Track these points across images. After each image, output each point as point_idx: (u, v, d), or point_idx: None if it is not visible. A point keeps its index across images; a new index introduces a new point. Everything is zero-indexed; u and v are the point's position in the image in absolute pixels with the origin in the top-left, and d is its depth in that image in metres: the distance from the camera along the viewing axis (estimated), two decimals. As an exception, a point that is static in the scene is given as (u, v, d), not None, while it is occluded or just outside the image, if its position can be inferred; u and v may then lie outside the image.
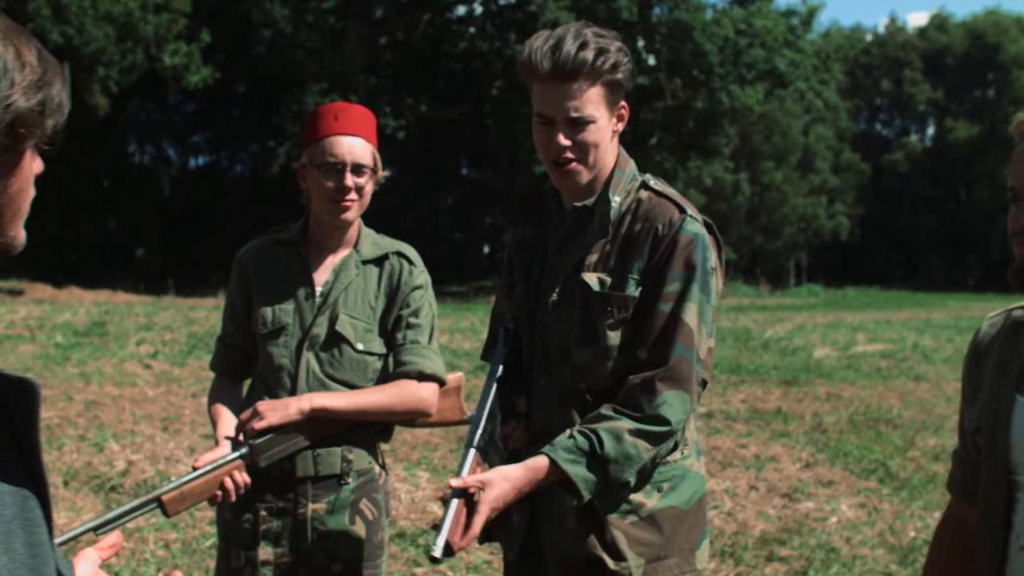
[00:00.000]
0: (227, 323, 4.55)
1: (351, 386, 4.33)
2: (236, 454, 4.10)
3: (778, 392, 16.96)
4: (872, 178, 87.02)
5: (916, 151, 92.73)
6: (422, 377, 4.35)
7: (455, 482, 3.21)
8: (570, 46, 3.43)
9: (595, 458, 3.32)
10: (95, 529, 3.82)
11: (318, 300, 4.36)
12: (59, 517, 8.65)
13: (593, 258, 3.60)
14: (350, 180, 4.26)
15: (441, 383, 4.41)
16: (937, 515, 9.58)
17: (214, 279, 41.69)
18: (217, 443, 4.20)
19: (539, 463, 3.33)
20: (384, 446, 4.56)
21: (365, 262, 4.43)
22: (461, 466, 3.35)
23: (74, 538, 3.67)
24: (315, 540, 4.32)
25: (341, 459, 4.33)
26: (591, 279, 3.57)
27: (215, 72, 41.20)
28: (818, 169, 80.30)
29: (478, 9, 53.13)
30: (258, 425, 4.13)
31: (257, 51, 48.92)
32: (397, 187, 67.95)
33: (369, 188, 4.33)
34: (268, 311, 4.36)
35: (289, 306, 4.35)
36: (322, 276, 4.40)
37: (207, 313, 26.13)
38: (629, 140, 44.18)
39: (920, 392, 17.53)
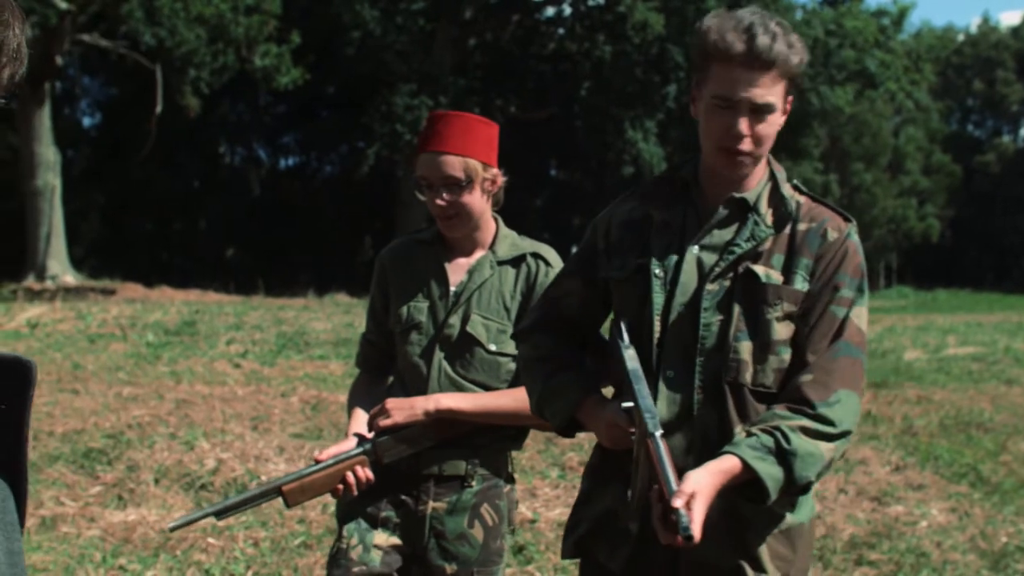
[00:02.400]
0: (369, 320, 4.63)
1: (484, 387, 4.36)
2: (359, 450, 4.21)
3: (868, 395, 16.80)
4: (963, 180, 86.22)
5: (1009, 152, 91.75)
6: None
7: (678, 502, 3.05)
8: (766, 35, 3.36)
9: (782, 455, 3.25)
10: (216, 514, 3.90)
11: (451, 299, 4.38)
12: (150, 514, 8.75)
13: (757, 251, 3.50)
14: (442, 199, 4.31)
15: None
16: (1029, 520, 9.50)
17: (304, 279, 41.93)
18: (346, 436, 4.30)
19: (730, 463, 3.24)
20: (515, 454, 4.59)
21: (501, 263, 4.46)
22: (660, 460, 3.15)
23: (194, 521, 3.70)
24: (431, 538, 4.35)
25: (466, 461, 4.37)
26: (759, 270, 3.47)
27: (305, 73, 41.36)
28: (909, 171, 79.71)
29: (567, 10, 53.08)
30: (384, 423, 4.23)
31: (347, 52, 49.06)
32: (486, 188, 68.01)
33: (470, 198, 4.35)
34: (404, 308, 4.42)
35: (423, 304, 4.39)
36: (457, 276, 4.43)
37: (296, 313, 26.29)
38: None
39: (1012, 396, 17.32)
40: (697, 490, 3.12)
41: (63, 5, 35.54)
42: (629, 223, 3.71)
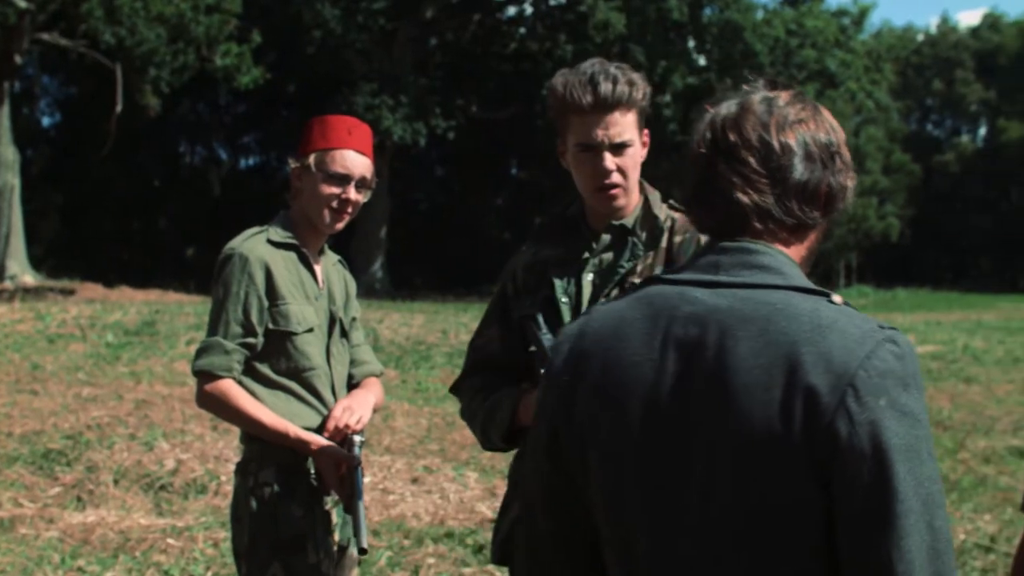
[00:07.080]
0: (250, 323, 4.37)
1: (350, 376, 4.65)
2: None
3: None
4: (923, 179, 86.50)
5: (968, 152, 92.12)
6: (380, 375, 4.77)
7: None
8: (607, 81, 3.79)
9: None
10: None
11: (326, 300, 4.54)
12: (109, 515, 8.71)
13: (638, 269, 3.85)
14: (353, 194, 4.42)
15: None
16: (988, 517, 9.54)
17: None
18: (303, 442, 4.31)
19: None
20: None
21: (333, 264, 4.69)
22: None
23: None
24: (347, 523, 4.49)
25: None
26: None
27: (265, 73, 41.24)
28: (869, 170, 79.88)
29: (528, 10, 53.16)
30: (361, 423, 4.39)
31: (307, 52, 49.07)
32: (447, 188, 68.02)
33: (362, 201, 4.49)
34: (296, 310, 4.41)
35: (309, 307, 4.45)
36: (320, 276, 4.56)
37: (257, 313, 26.24)
38: (678, 140, 44.27)
39: (971, 394, 17.43)
40: None
41: (22, 4, 35.38)
42: (531, 266, 4.07)
